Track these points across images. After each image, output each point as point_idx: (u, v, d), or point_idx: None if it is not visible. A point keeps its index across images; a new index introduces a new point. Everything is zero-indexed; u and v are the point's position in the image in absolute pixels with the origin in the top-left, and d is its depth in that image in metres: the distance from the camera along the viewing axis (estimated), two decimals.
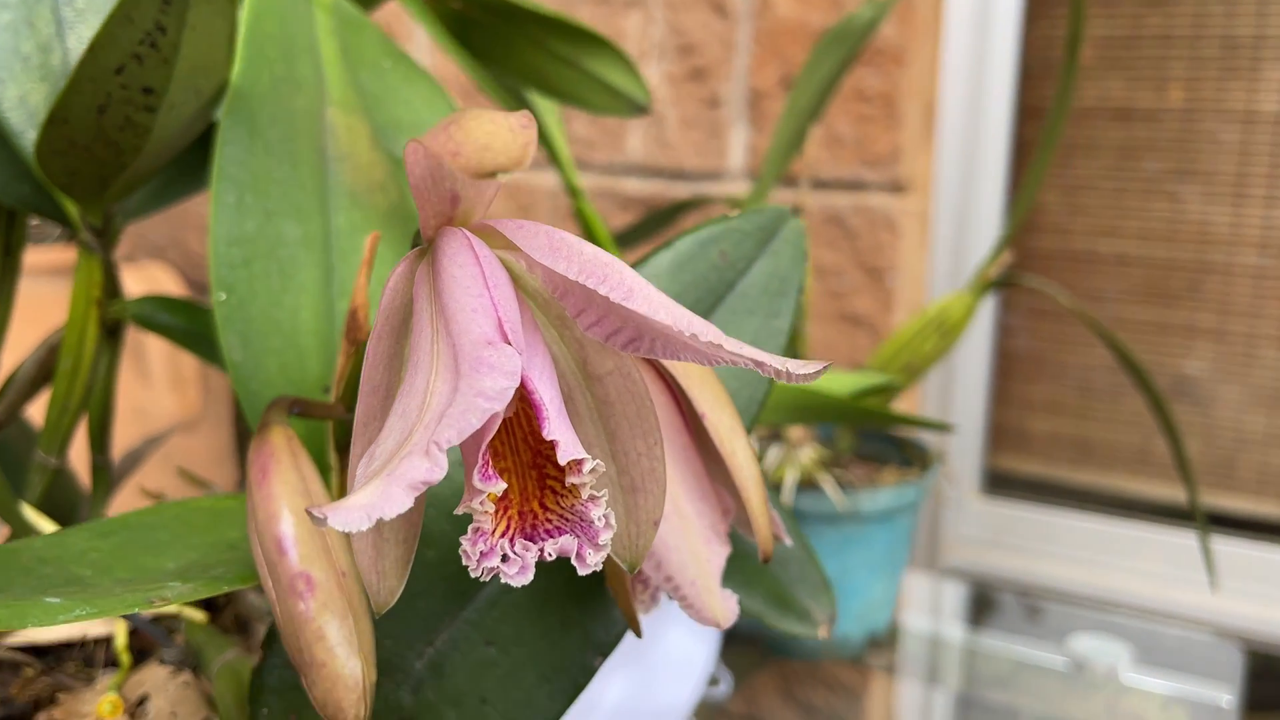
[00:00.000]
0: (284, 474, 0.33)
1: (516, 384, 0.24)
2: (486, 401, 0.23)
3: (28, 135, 0.46)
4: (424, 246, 0.29)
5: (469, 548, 0.26)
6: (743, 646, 0.96)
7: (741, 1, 1.26)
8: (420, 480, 0.22)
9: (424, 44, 1.43)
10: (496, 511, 0.27)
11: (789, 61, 1.24)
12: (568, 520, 0.27)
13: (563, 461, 0.25)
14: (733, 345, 0.25)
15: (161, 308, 0.55)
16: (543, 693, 0.39)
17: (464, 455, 0.27)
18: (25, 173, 0.50)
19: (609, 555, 0.35)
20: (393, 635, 0.38)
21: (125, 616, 0.51)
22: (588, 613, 0.40)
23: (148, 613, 0.53)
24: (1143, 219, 1.25)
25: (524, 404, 0.28)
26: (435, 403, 0.24)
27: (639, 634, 0.37)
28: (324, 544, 0.32)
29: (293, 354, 0.43)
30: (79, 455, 0.57)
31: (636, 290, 0.25)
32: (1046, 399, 1.31)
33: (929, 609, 1.14)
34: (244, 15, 0.45)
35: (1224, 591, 1.16)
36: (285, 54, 0.45)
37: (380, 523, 0.28)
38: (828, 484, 0.86)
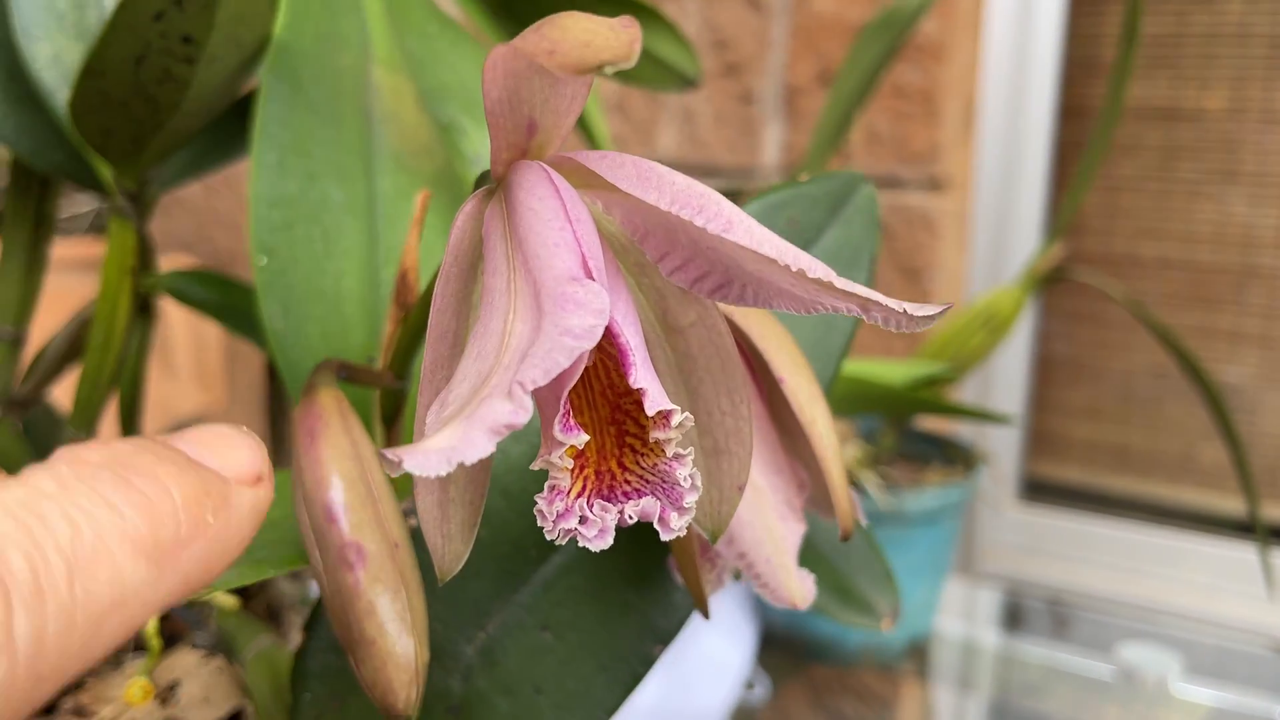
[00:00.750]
0: (334, 437, 0.31)
1: (605, 322, 0.22)
2: (574, 340, 0.21)
3: (61, 95, 0.44)
4: (493, 186, 0.26)
5: (545, 507, 0.24)
6: (779, 651, 0.94)
7: None
8: (503, 423, 0.20)
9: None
10: (574, 470, 0.25)
11: (825, 57, 1.21)
12: (648, 481, 0.25)
13: (651, 412, 0.23)
14: (843, 283, 0.22)
15: (195, 281, 0.53)
16: (599, 682, 0.36)
17: (540, 407, 0.24)
18: (59, 139, 0.48)
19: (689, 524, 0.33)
20: (442, 619, 0.36)
21: None
22: (647, 598, 0.37)
23: None
24: (1186, 221, 1.22)
25: (603, 354, 0.25)
26: (516, 343, 0.22)
27: (706, 615, 0.34)
28: (376, 513, 0.30)
29: (336, 322, 0.41)
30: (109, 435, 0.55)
31: (736, 222, 0.23)
32: (1086, 404, 1.28)
33: (964, 615, 1.11)
34: None
35: (1269, 603, 1.12)
36: (329, 9, 0.43)
37: (448, 481, 0.26)
38: (871, 483, 0.83)
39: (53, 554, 0.18)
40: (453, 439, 0.20)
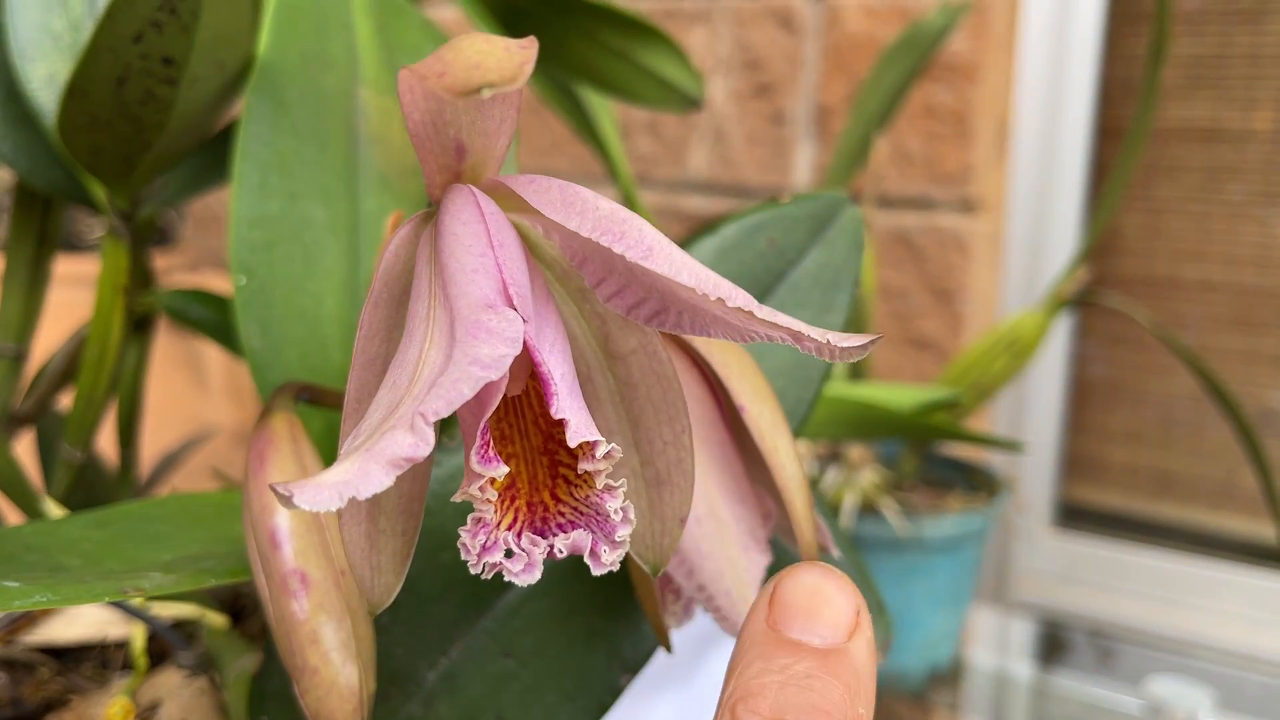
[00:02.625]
0: (282, 462, 0.30)
1: (517, 351, 0.21)
2: (481, 370, 0.20)
3: (55, 115, 0.45)
4: (430, 210, 0.26)
5: (468, 540, 0.23)
6: None
7: (810, 17, 1.23)
8: (403, 456, 0.20)
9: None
10: (502, 501, 0.24)
11: (857, 77, 1.20)
12: (581, 514, 0.24)
13: (573, 444, 0.22)
14: (765, 313, 0.22)
15: (194, 300, 0.54)
16: (564, 712, 0.36)
17: (464, 436, 0.24)
18: (55, 158, 0.48)
19: (630, 557, 0.32)
20: (404, 644, 0.35)
21: (144, 620, 0.49)
22: (615, 625, 0.37)
23: (167, 616, 0.51)
24: (1229, 244, 1.20)
25: (534, 381, 0.25)
26: (427, 372, 0.21)
27: (668, 648, 0.33)
28: (322, 540, 0.30)
29: (315, 343, 0.41)
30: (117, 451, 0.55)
31: (656, 249, 0.22)
32: (1124, 429, 1.25)
33: (996, 645, 1.09)
34: None
35: None
36: (316, 29, 0.43)
37: (375, 512, 0.26)
38: (889, 509, 0.82)
39: None
40: (349, 473, 0.19)
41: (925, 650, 0.88)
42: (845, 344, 0.22)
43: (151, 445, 0.70)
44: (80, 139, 0.42)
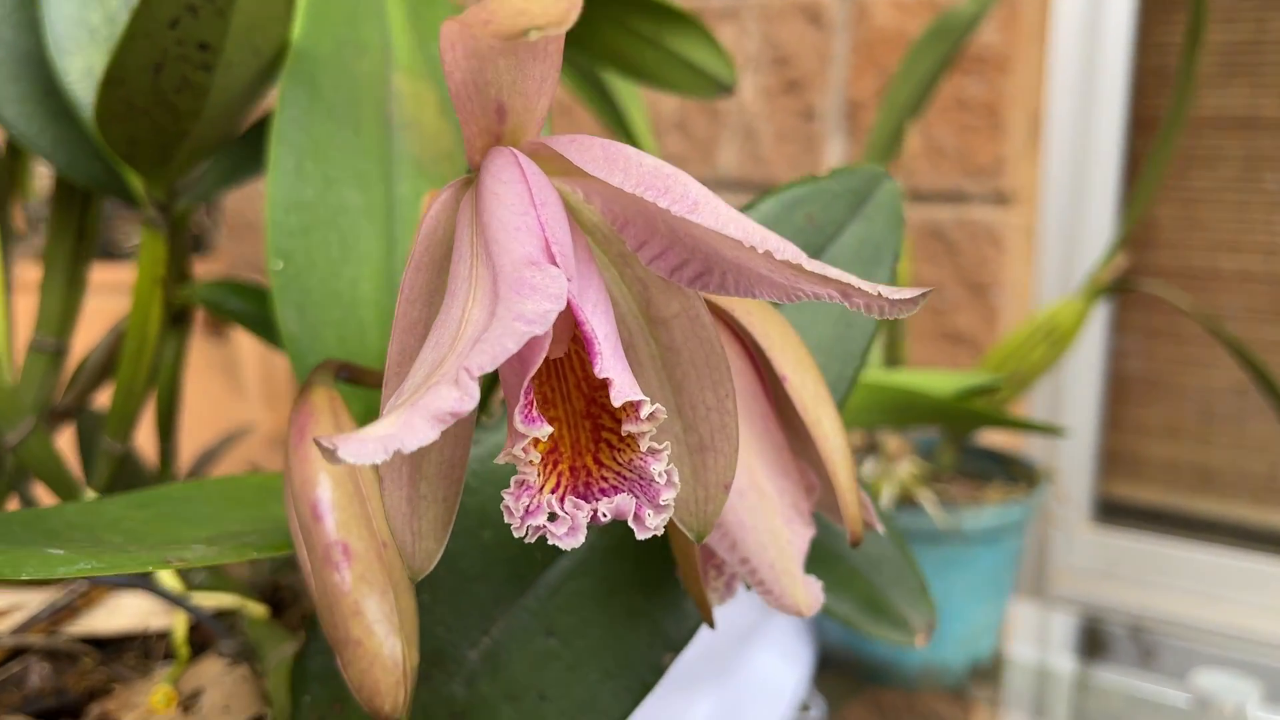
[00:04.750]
0: (323, 434, 0.30)
1: (561, 307, 0.21)
2: (526, 325, 0.20)
3: (93, 106, 0.45)
4: (470, 175, 0.26)
5: (511, 503, 0.23)
6: (836, 673, 0.91)
7: (838, 12, 1.23)
8: (447, 410, 0.19)
9: None
10: (544, 465, 0.24)
11: (887, 72, 1.20)
12: (625, 478, 0.24)
13: (617, 404, 0.22)
14: (815, 266, 0.21)
15: (233, 293, 0.54)
16: (607, 690, 0.35)
17: (507, 396, 0.24)
18: (93, 151, 0.49)
19: (673, 529, 0.32)
20: (445, 623, 0.35)
21: (186, 609, 0.50)
22: (657, 604, 0.36)
23: (209, 607, 0.51)
24: (1268, 233, 1.18)
25: (576, 344, 0.24)
26: (471, 330, 0.21)
27: (711, 624, 0.33)
28: (364, 512, 0.30)
29: (352, 326, 0.41)
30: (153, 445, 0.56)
31: (703, 203, 0.22)
32: (1165, 422, 1.24)
33: (1036, 640, 1.08)
34: None
35: None
36: (350, 16, 0.43)
37: (416, 477, 0.26)
38: (928, 500, 0.81)
39: None
40: (393, 426, 0.19)
41: (966, 643, 0.87)
42: (896, 296, 0.21)
43: (188, 446, 0.71)
44: (117, 129, 0.42)
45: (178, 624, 0.49)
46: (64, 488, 0.48)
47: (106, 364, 0.54)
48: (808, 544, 0.32)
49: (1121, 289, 0.87)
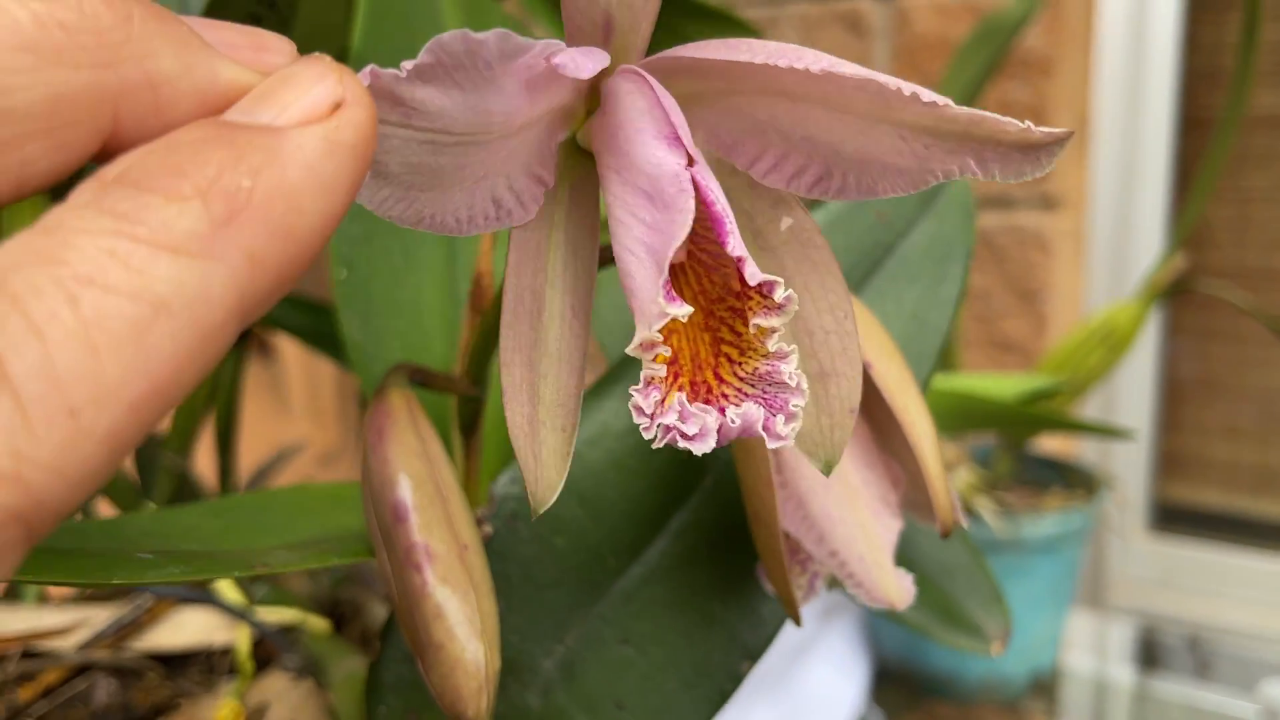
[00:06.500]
0: (402, 436, 0.30)
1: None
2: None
3: None
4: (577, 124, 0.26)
5: (641, 401, 0.22)
6: (894, 685, 0.90)
7: (878, 19, 1.22)
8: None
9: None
10: (667, 377, 0.23)
11: (929, 78, 1.19)
12: (747, 393, 0.23)
13: (752, 282, 0.21)
14: (960, 112, 0.22)
15: (291, 308, 0.54)
16: (685, 699, 0.35)
17: (633, 291, 0.23)
18: None
19: (757, 517, 0.31)
20: (519, 631, 0.35)
21: (250, 624, 0.49)
22: (733, 610, 0.36)
23: (271, 620, 0.50)
24: None
25: (695, 247, 0.24)
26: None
27: (798, 622, 0.32)
28: (445, 513, 0.29)
29: (416, 334, 0.41)
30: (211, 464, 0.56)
31: (837, 60, 0.22)
32: (1223, 424, 1.21)
33: (1094, 650, 1.06)
34: None
35: None
36: (405, 25, 0.43)
37: (535, 399, 0.25)
38: (986, 509, 0.80)
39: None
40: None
41: (1027, 655, 0.86)
42: (1045, 128, 0.21)
43: (240, 464, 0.71)
44: None
45: (241, 639, 0.49)
46: (127, 500, 0.48)
47: None
48: (897, 536, 0.32)
49: (1180, 290, 0.85)
